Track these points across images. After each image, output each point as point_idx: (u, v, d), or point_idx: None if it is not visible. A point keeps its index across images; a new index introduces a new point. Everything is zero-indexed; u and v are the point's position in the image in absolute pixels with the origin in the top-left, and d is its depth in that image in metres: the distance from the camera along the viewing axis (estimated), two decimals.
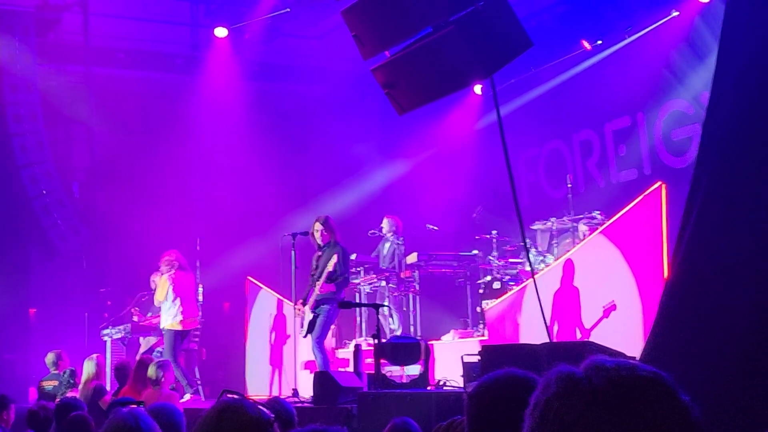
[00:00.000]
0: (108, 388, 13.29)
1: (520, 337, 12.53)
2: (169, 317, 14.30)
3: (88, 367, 12.40)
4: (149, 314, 16.40)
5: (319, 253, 12.66)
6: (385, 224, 15.89)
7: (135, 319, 16.47)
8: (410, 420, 5.32)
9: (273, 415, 3.18)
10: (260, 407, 3.19)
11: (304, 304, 12.57)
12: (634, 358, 7.30)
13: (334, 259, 12.29)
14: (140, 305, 16.56)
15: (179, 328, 14.19)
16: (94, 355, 12.94)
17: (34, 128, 17.26)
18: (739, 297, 6.33)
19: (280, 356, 15.91)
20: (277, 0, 18.20)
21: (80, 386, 12.41)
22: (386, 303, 14.95)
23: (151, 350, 15.37)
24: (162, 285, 14.42)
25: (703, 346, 6.44)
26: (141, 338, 16.19)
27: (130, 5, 19.05)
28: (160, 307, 15.74)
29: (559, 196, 15.74)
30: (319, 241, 12.63)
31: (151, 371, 11.41)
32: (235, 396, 3.27)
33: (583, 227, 13.68)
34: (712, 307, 6.50)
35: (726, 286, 6.46)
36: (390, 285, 15.44)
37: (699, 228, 6.77)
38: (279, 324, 16.16)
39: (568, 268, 12.21)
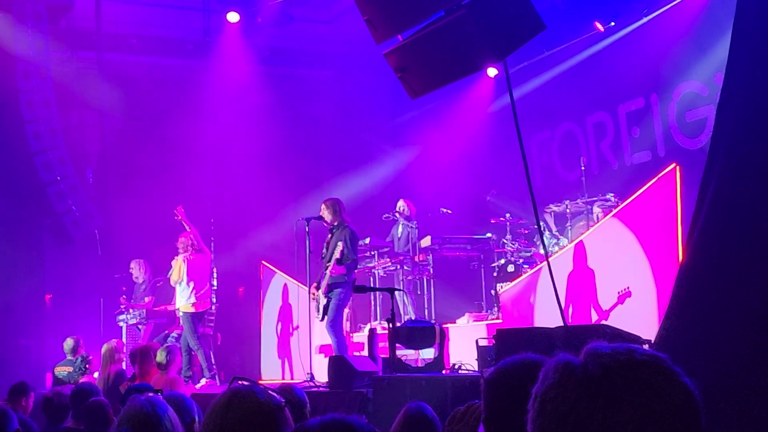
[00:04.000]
0: None
1: (535, 320, 12.53)
2: (183, 299, 14.44)
3: (106, 352, 12.45)
4: (132, 300, 16.54)
5: (329, 236, 12.71)
6: (400, 206, 15.87)
7: (123, 307, 16.58)
8: (425, 404, 5.33)
9: (283, 400, 3.17)
10: (271, 392, 3.19)
11: (317, 289, 12.61)
12: (649, 341, 7.30)
13: (340, 246, 12.33)
14: (154, 291, 16.63)
15: (192, 310, 14.30)
16: (113, 341, 13.01)
17: (47, 115, 17.27)
18: (755, 281, 6.31)
19: (288, 346, 15.96)
20: None
21: (99, 371, 12.46)
22: (400, 287, 14.97)
23: (166, 336, 15.43)
24: (177, 266, 14.51)
25: (718, 331, 6.43)
26: (139, 326, 16.32)
27: None
28: (144, 294, 15.93)
29: (573, 179, 15.72)
30: (326, 224, 12.72)
31: (160, 356, 11.46)
32: (246, 382, 3.27)
33: (597, 209, 13.66)
34: (727, 291, 6.49)
35: (741, 269, 6.45)
36: (404, 269, 15.44)
37: (713, 211, 6.75)
38: (285, 313, 16.21)
39: (579, 250, 12.20)
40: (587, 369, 1.73)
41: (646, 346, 7.32)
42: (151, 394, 4.28)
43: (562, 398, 1.71)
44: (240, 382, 3.26)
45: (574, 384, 1.71)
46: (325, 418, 2.08)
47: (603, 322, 11.16)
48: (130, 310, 16.39)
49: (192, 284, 14.41)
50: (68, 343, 13.93)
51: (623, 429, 1.65)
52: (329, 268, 12.41)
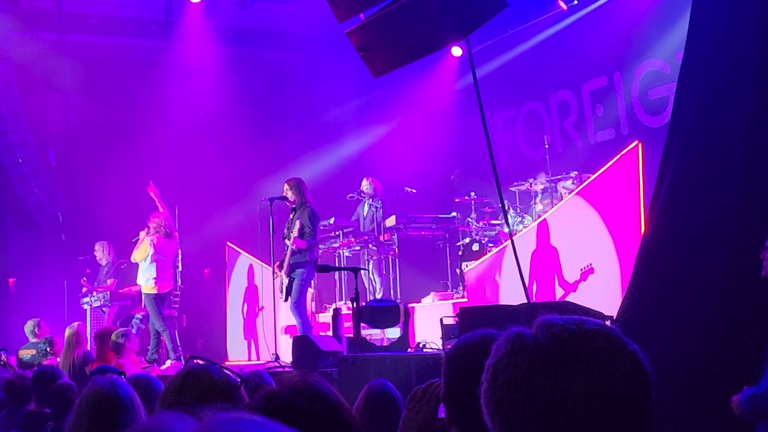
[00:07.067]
0: None
1: (500, 297, 12.59)
2: (144, 278, 14.38)
3: (69, 335, 12.38)
4: (96, 283, 16.47)
5: (291, 215, 12.71)
6: (365, 185, 15.83)
7: (84, 290, 16.51)
8: (387, 381, 5.35)
9: (239, 380, 3.18)
10: (227, 371, 3.20)
11: (280, 268, 12.59)
12: (612, 317, 7.35)
13: (297, 225, 12.33)
14: (117, 273, 16.54)
15: (154, 291, 14.24)
16: (75, 323, 12.92)
17: (8, 96, 17.12)
18: (714, 250, 6.38)
19: (254, 326, 15.95)
20: None
21: (62, 354, 12.39)
22: (365, 267, 14.99)
23: (130, 318, 15.39)
24: (143, 246, 14.43)
25: (680, 299, 6.49)
26: (103, 308, 16.22)
27: None
28: (107, 277, 15.87)
29: (537, 157, 15.76)
30: (288, 203, 12.72)
31: (114, 338, 11.48)
32: (201, 361, 3.27)
33: (561, 188, 13.72)
34: (688, 260, 6.55)
35: (701, 243, 6.51)
36: (370, 248, 15.45)
37: (675, 186, 6.80)
38: (251, 294, 16.20)
39: (543, 228, 12.26)
40: (538, 339, 1.75)
41: (608, 322, 7.37)
42: (113, 375, 4.26)
43: (514, 368, 1.73)
44: (196, 361, 3.26)
45: (525, 354, 1.73)
46: (294, 383, 2.11)
47: (567, 298, 11.21)
48: (94, 293, 16.30)
49: (155, 265, 14.36)
50: (28, 325, 13.84)
51: (574, 397, 1.67)
52: (289, 245, 12.42)
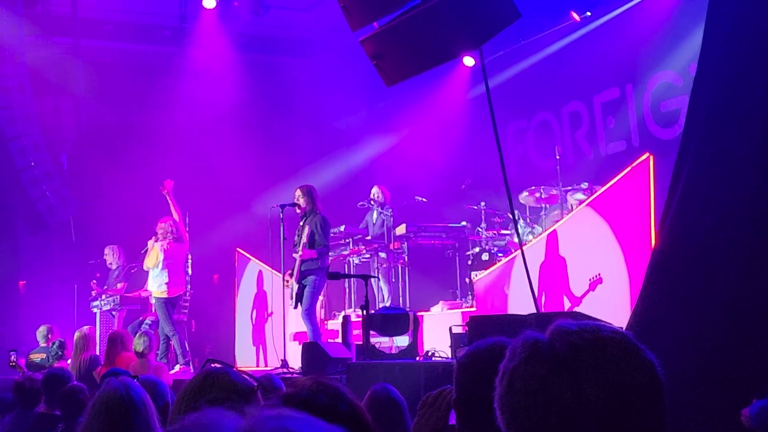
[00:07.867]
0: None
1: (509, 307, 12.57)
2: (155, 284, 14.43)
3: (78, 338, 12.42)
4: (105, 287, 16.50)
5: (301, 223, 12.73)
6: (375, 193, 15.85)
7: (94, 293, 16.54)
8: (390, 386, 5.38)
9: (256, 383, 3.21)
10: (244, 375, 3.22)
11: (291, 276, 12.62)
12: (621, 328, 7.34)
13: (307, 231, 12.36)
14: (128, 277, 16.57)
15: (165, 296, 14.29)
16: (85, 327, 12.96)
17: (21, 100, 17.17)
18: (725, 263, 6.37)
19: (262, 332, 15.97)
20: None
21: (71, 358, 12.44)
22: (375, 275, 14.99)
23: (140, 323, 15.41)
24: (153, 253, 14.48)
25: (690, 312, 6.49)
26: (113, 312, 16.25)
27: None
28: (117, 281, 15.90)
29: (548, 168, 15.74)
30: (299, 210, 12.73)
31: (138, 343, 11.46)
32: (219, 365, 3.30)
33: (571, 199, 13.71)
34: (699, 273, 6.55)
35: (712, 255, 6.51)
36: (379, 256, 15.46)
37: (686, 198, 6.80)
38: (260, 300, 16.22)
39: (552, 239, 12.25)
40: (554, 347, 1.76)
41: None
42: (126, 378, 4.28)
43: (531, 375, 1.74)
44: (213, 364, 3.28)
45: (542, 361, 1.74)
46: (311, 384, 2.13)
47: (575, 309, 11.20)
48: (103, 296, 16.35)
49: (166, 271, 14.40)
50: (41, 330, 13.92)
51: (589, 405, 1.69)
52: (299, 254, 12.44)
